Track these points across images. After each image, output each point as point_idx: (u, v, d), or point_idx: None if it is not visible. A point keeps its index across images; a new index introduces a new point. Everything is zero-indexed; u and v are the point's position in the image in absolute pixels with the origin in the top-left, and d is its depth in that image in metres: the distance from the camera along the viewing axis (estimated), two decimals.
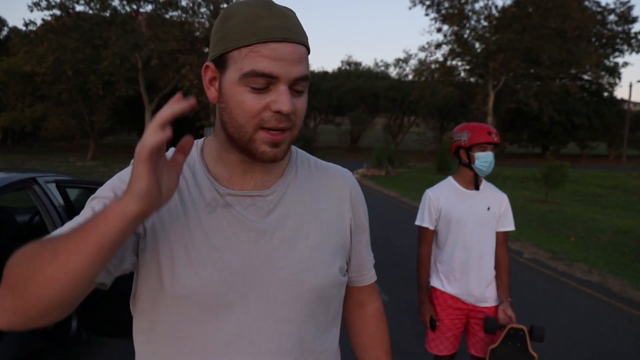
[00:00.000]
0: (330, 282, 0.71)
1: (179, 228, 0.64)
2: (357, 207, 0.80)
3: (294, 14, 0.65)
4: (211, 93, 0.65)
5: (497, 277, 1.94)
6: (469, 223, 1.89)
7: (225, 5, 26.16)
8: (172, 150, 0.68)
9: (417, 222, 2.00)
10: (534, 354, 1.74)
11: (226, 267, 0.64)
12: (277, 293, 0.66)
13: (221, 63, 0.63)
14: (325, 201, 0.75)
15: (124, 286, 2.43)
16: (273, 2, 0.64)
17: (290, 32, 0.62)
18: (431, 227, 1.96)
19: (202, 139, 0.73)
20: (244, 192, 0.67)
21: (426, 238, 1.98)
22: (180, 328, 0.64)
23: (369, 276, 0.86)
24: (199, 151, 0.70)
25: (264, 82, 0.60)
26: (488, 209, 1.90)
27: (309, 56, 0.67)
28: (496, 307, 1.92)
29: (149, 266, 0.64)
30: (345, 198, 0.77)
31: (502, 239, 1.95)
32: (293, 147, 0.78)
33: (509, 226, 1.95)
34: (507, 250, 1.98)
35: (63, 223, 2.48)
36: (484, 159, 1.83)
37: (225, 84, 0.63)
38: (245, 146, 0.64)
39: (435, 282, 1.99)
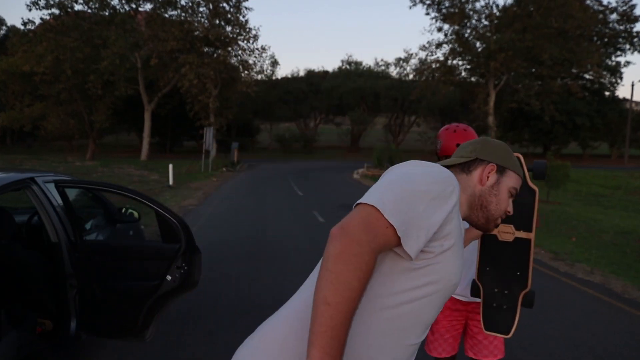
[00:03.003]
0: None
1: (459, 238, 0.94)
2: None
3: None
4: (484, 178, 1.05)
5: None
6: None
7: (224, 5, 26.14)
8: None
9: None
10: (535, 188, 1.50)
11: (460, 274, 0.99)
12: None
13: (501, 170, 1.07)
14: None
15: (122, 287, 2.42)
16: None
17: None
18: None
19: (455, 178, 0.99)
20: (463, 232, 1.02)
21: None
22: (426, 304, 0.90)
23: None
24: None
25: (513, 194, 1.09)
26: None
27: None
28: None
29: (443, 253, 0.89)
30: None
31: None
32: None
33: None
34: None
35: (62, 223, 2.45)
36: None
37: (502, 184, 1.06)
38: (490, 220, 1.06)
39: None
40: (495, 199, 1.05)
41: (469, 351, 1.94)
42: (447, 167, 1.09)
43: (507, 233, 1.51)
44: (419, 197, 0.84)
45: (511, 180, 1.07)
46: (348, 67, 46.75)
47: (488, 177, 1.06)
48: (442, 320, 1.92)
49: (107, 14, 25.15)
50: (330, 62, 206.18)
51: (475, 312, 1.91)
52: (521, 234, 1.49)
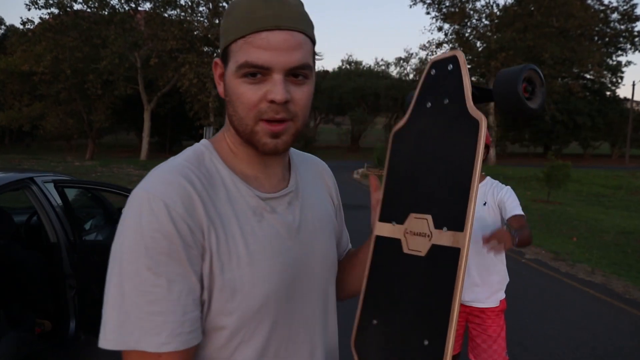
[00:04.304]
0: (335, 266, 0.78)
1: (238, 245, 0.61)
2: (336, 190, 0.86)
3: (298, 2, 0.64)
4: (221, 88, 0.66)
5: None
6: None
7: (224, 4, 26.16)
8: (178, 158, 0.65)
9: None
10: (477, 116, 0.59)
11: (285, 273, 0.65)
12: (313, 285, 0.70)
13: (225, 57, 0.63)
14: (319, 189, 0.79)
15: None
16: None
17: (285, 19, 0.60)
18: None
19: (204, 141, 0.69)
20: (281, 193, 0.68)
21: None
22: (241, 334, 0.63)
23: (348, 244, 0.92)
24: (215, 156, 0.66)
25: (257, 72, 0.60)
26: (484, 204, 1.89)
27: (315, 45, 0.66)
28: (494, 309, 1.88)
29: (219, 289, 0.60)
30: (329, 184, 0.83)
31: (517, 224, 1.79)
32: None
33: (515, 210, 1.84)
34: (528, 229, 1.78)
35: (61, 223, 2.44)
36: None
37: (227, 78, 0.63)
38: (248, 139, 0.64)
39: None
40: (233, 108, 0.63)
41: (470, 353, 1.93)
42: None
43: (418, 236, 0.62)
44: (143, 282, 0.55)
45: (238, 57, 0.60)
46: (348, 66, 46.73)
47: (220, 82, 0.65)
48: None
49: (106, 13, 25.11)
50: (330, 62, 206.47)
51: (474, 314, 1.90)
52: (443, 239, 0.58)
